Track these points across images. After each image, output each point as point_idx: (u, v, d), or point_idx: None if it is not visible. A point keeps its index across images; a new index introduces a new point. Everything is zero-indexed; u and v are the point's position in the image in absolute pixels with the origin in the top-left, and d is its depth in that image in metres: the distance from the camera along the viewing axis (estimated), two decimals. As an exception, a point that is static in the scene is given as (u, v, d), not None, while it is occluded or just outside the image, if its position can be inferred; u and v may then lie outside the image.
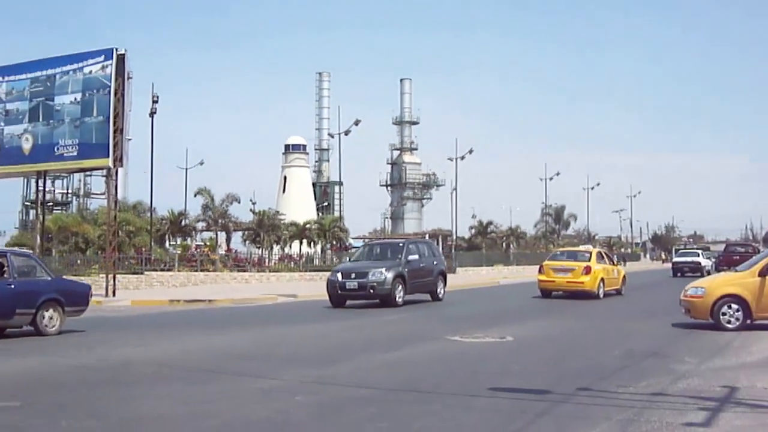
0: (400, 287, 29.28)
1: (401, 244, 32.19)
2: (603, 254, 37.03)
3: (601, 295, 33.00)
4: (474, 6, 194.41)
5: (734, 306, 19.43)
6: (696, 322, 20.38)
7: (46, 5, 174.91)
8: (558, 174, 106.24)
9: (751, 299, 19.23)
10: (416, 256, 31.03)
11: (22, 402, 10.70)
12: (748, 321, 19.39)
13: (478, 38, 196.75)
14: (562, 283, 33.83)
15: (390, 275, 28.80)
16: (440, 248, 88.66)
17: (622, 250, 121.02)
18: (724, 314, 19.51)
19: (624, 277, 37.17)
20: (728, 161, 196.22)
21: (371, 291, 28.82)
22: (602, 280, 33.42)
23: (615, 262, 38.16)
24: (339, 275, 29.61)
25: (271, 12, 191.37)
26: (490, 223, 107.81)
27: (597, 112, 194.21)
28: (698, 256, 64.21)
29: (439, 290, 32.36)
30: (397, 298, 28.92)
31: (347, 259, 44.46)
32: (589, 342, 18.09)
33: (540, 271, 35.23)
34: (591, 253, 35.32)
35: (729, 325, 19.30)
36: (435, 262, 32.99)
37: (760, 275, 19.30)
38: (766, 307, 19.25)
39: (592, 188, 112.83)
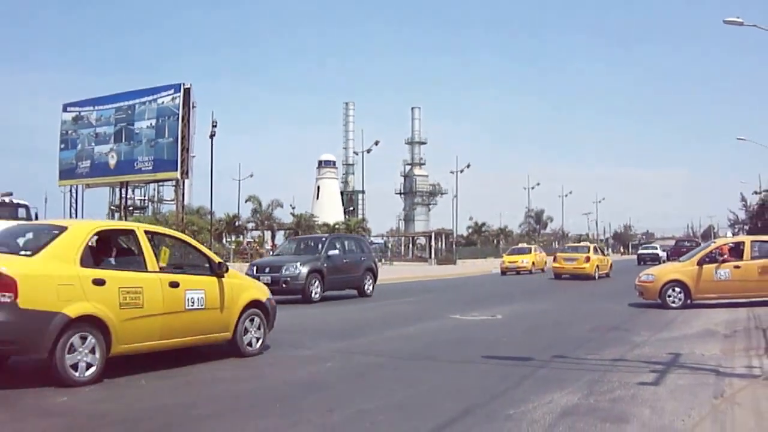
0: (317, 282, 23.71)
1: (323, 239, 26.28)
2: (597, 248, 42.09)
3: (596, 277, 37.17)
4: (474, 45, 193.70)
5: (677, 289, 19.82)
6: (647, 302, 20.52)
7: (120, 45, 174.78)
8: (538, 184, 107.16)
9: (691, 284, 19.67)
10: (337, 252, 25.24)
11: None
12: (689, 301, 19.68)
13: (475, 66, 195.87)
14: (570, 269, 37.57)
15: (305, 270, 23.45)
16: (442, 244, 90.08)
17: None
18: (669, 296, 19.83)
19: (611, 264, 41.87)
20: (673, 173, 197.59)
21: (284, 285, 22.91)
22: (597, 266, 37.87)
23: (604, 254, 44.40)
24: (254, 269, 24.07)
25: (304, 45, 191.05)
26: (483, 224, 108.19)
27: (570, 133, 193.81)
28: (656, 249, 66.57)
29: (366, 287, 26.24)
30: (313, 294, 23.46)
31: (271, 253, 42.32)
32: (564, 319, 18.03)
33: (554, 260, 39.82)
34: (589, 247, 39.89)
35: (673, 305, 19.58)
36: (362, 258, 26.73)
37: (698, 264, 19.78)
38: (703, 290, 19.66)
39: (566, 195, 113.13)
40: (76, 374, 8.83)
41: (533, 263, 46.96)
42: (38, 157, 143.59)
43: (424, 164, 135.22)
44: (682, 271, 20.15)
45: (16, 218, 24.47)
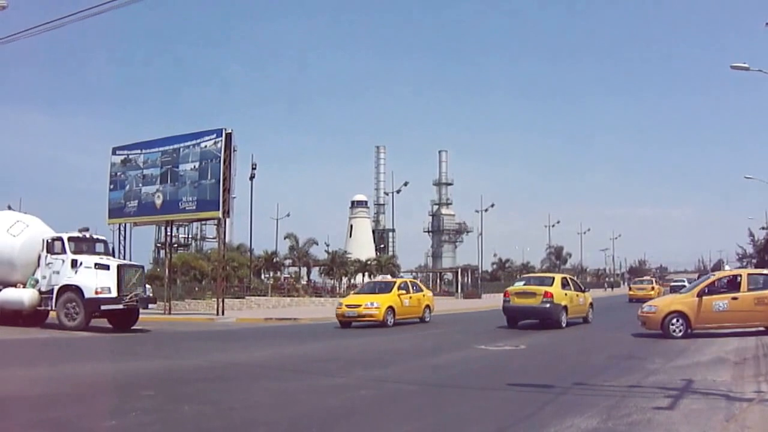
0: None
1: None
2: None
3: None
4: (496, 88, 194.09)
5: (679, 320, 19.93)
6: (651, 332, 20.52)
7: (162, 89, 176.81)
8: (558, 222, 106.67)
9: (691, 314, 19.83)
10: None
11: (156, 392, 10.87)
12: (689, 331, 19.83)
13: (494, 115, 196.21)
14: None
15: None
16: (468, 279, 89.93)
17: (608, 280, 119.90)
18: (671, 326, 19.92)
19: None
20: (685, 211, 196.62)
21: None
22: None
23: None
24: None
25: (336, 91, 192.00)
26: (507, 260, 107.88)
27: (588, 174, 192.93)
28: (683, 281, 65.41)
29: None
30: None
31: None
32: (584, 348, 18.05)
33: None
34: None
35: (675, 335, 19.69)
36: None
37: (698, 296, 19.98)
38: (702, 320, 19.85)
39: (585, 233, 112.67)
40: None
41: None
42: (87, 197, 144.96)
43: (450, 204, 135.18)
44: (683, 302, 20.29)
45: (94, 252, 25.37)
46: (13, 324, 24.87)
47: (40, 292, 24.81)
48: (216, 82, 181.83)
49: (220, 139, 39.98)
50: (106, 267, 24.41)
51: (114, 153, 43.70)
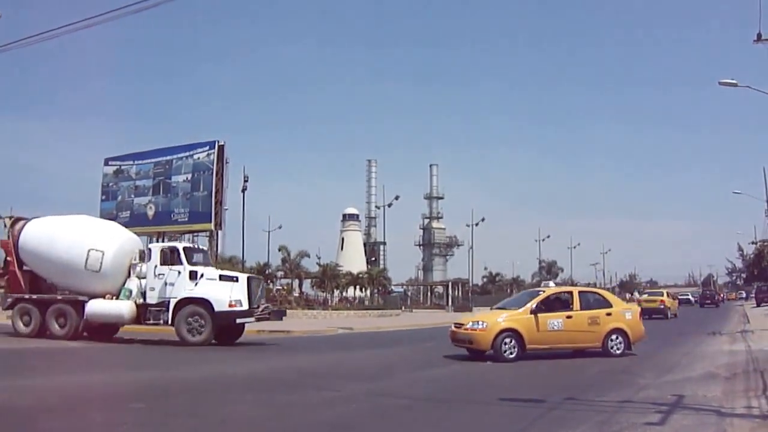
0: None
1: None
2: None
3: None
4: (488, 103, 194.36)
5: (512, 339, 17.97)
6: (461, 349, 19.13)
7: (155, 102, 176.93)
8: (548, 236, 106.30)
9: (525, 333, 18.06)
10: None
11: (146, 404, 10.81)
12: (523, 351, 18.03)
13: (491, 131, 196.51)
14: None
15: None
16: (459, 293, 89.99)
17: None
18: (504, 345, 17.84)
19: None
20: (674, 225, 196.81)
21: None
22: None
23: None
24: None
25: (329, 104, 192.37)
26: (498, 274, 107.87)
27: (578, 188, 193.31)
28: (688, 295, 66.00)
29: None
30: None
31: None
32: (575, 364, 18.03)
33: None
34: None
35: (508, 356, 17.78)
36: None
37: (531, 313, 18.31)
38: (536, 340, 18.24)
39: (575, 247, 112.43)
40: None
41: None
42: (78, 208, 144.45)
43: (441, 218, 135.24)
44: (516, 319, 18.31)
45: (195, 263, 24.09)
46: (91, 338, 23.95)
47: (142, 305, 23.56)
48: (209, 94, 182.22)
49: (212, 151, 40.04)
50: (234, 279, 23.63)
51: (106, 163, 43.75)
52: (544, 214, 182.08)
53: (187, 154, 41.17)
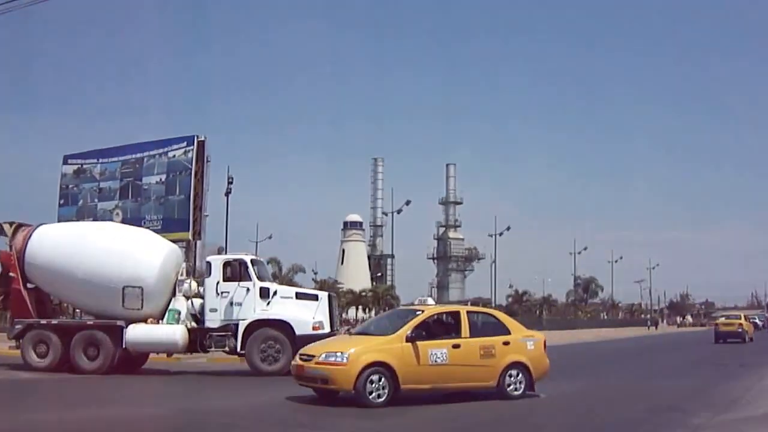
0: None
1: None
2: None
3: None
4: (510, 96, 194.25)
5: (382, 377, 15.22)
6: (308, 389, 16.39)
7: (129, 91, 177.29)
8: (585, 249, 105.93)
9: (399, 367, 15.28)
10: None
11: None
12: (395, 393, 15.31)
13: (515, 125, 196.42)
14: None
15: None
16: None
17: (643, 316, 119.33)
18: (370, 384, 15.04)
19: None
20: (733, 236, 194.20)
21: None
22: None
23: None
24: None
25: (329, 98, 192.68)
26: (525, 292, 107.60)
27: (620, 193, 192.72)
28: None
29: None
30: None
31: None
32: (616, 397, 17.73)
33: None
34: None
35: (376, 399, 15.05)
36: None
37: (407, 341, 15.64)
38: (414, 377, 15.56)
39: (616, 261, 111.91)
40: None
41: None
42: (31, 213, 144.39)
43: (459, 226, 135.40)
44: (386, 349, 15.64)
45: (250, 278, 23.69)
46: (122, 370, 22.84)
47: (197, 329, 23.13)
48: (188, 85, 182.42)
49: (191, 148, 39.62)
50: (314, 297, 23.82)
51: (66, 162, 43.35)
52: (580, 223, 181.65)
53: (161, 151, 40.78)
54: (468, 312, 17.55)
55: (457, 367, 16.00)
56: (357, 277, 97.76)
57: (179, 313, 23.19)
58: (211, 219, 51.53)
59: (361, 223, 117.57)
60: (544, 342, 17.85)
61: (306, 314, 22.71)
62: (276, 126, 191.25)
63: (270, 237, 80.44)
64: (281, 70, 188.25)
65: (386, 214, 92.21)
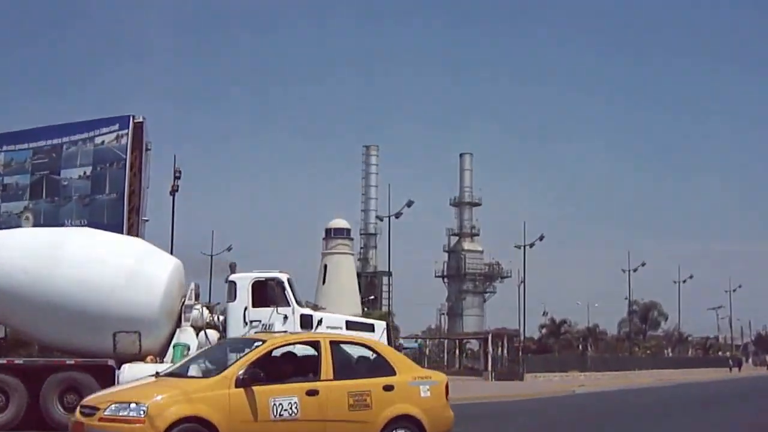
0: None
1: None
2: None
3: None
4: (545, 59, 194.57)
5: None
6: None
7: (56, 71, 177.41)
8: (644, 265, 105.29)
9: (225, 424, 13.59)
10: None
11: None
12: None
13: (551, 100, 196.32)
14: None
15: None
16: (503, 351, 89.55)
17: (721, 354, 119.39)
18: None
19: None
20: None
21: None
22: None
23: None
24: None
25: (309, 61, 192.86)
26: (563, 321, 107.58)
27: (689, 193, 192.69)
28: None
29: None
30: None
31: None
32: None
33: None
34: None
35: None
36: None
37: (238, 385, 13.88)
38: None
39: (684, 281, 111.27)
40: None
41: None
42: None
43: (477, 235, 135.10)
44: (206, 398, 13.75)
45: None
46: None
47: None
48: (123, 54, 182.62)
49: (124, 132, 39.69)
50: (369, 327, 24.10)
51: (-42, 150, 43.53)
52: (636, 231, 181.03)
53: (86, 136, 40.80)
54: (332, 342, 15.65)
55: (314, 425, 14.43)
56: (343, 300, 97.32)
57: (188, 348, 23.08)
58: (152, 225, 51.79)
59: (348, 231, 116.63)
60: (446, 385, 16.48)
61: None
62: (237, 102, 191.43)
63: (229, 248, 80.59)
64: (241, 23, 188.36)
65: (381, 219, 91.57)
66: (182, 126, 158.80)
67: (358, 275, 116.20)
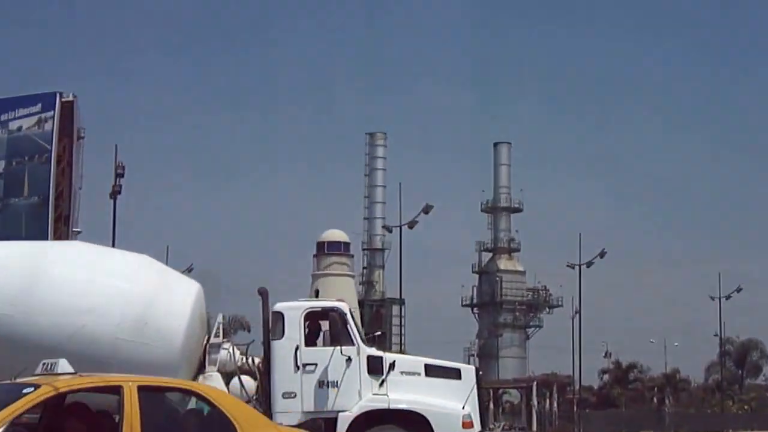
0: None
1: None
2: None
3: None
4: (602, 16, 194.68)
5: None
6: None
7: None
8: (739, 290, 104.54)
9: None
10: None
11: None
12: None
13: (612, 68, 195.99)
14: None
15: None
16: (553, 403, 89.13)
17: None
18: None
19: None
20: None
21: None
22: None
23: None
24: None
25: (300, 29, 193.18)
26: (632, 366, 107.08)
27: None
28: None
29: None
30: None
31: None
32: None
33: None
34: None
35: None
36: None
37: None
38: None
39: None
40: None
41: None
42: None
43: (517, 251, 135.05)
44: None
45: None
46: None
47: None
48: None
49: (49, 114, 38.92)
50: (454, 372, 23.72)
51: None
52: (727, 247, 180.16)
53: (-4, 119, 40.23)
54: (143, 389, 13.66)
55: None
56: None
57: None
58: (86, 238, 50.95)
59: (347, 245, 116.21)
60: None
61: (449, 402, 22.67)
62: (197, 76, 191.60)
63: (190, 269, 79.53)
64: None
65: (390, 230, 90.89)
66: (125, 108, 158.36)
67: (361, 304, 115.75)
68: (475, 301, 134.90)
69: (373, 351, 23.25)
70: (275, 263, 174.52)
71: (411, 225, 77.53)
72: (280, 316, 23.47)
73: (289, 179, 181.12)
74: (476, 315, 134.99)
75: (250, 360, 23.89)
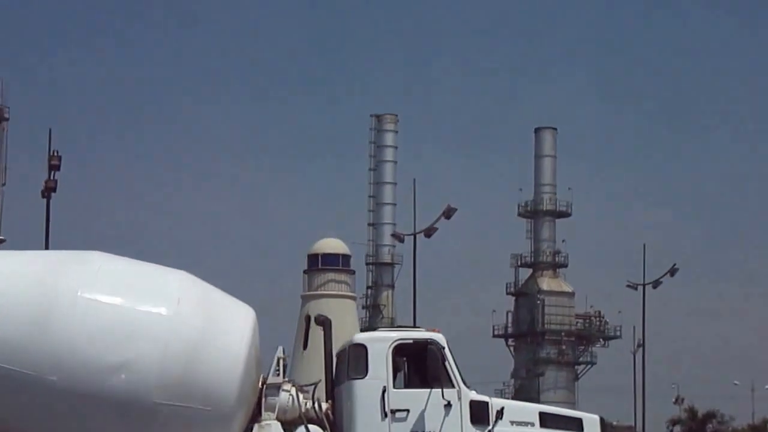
0: None
1: None
2: None
3: None
4: None
5: None
6: None
7: None
8: None
9: None
10: None
11: None
12: None
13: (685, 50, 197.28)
14: None
15: None
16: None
17: None
18: None
19: None
20: None
21: None
22: None
23: None
24: None
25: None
26: (711, 414, 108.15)
27: None
28: None
29: None
30: None
31: None
32: None
33: None
34: None
35: None
36: None
37: None
38: None
39: None
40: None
41: None
42: None
43: (564, 266, 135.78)
44: None
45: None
46: None
47: None
48: None
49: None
50: (575, 423, 24.50)
51: None
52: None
53: None
54: None
55: None
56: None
57: None
58: (12, 246, 52.60)
59: (347, 258, 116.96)
60: None
61: None
62: (155, 46, 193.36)
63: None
64: None
65: (401, 240, 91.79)
66: (63, 85, 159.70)
67: (362, 332, 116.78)
68: (510, 330, 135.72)
69: (476, 395, 23.50)
70: (256, 279, 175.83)
71: (428, 233, 78.06)
72: (363, 349, 23.72)
73: (272, 174, 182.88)
74: (511, 348, 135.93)
75: (317, 405, 23.69)
